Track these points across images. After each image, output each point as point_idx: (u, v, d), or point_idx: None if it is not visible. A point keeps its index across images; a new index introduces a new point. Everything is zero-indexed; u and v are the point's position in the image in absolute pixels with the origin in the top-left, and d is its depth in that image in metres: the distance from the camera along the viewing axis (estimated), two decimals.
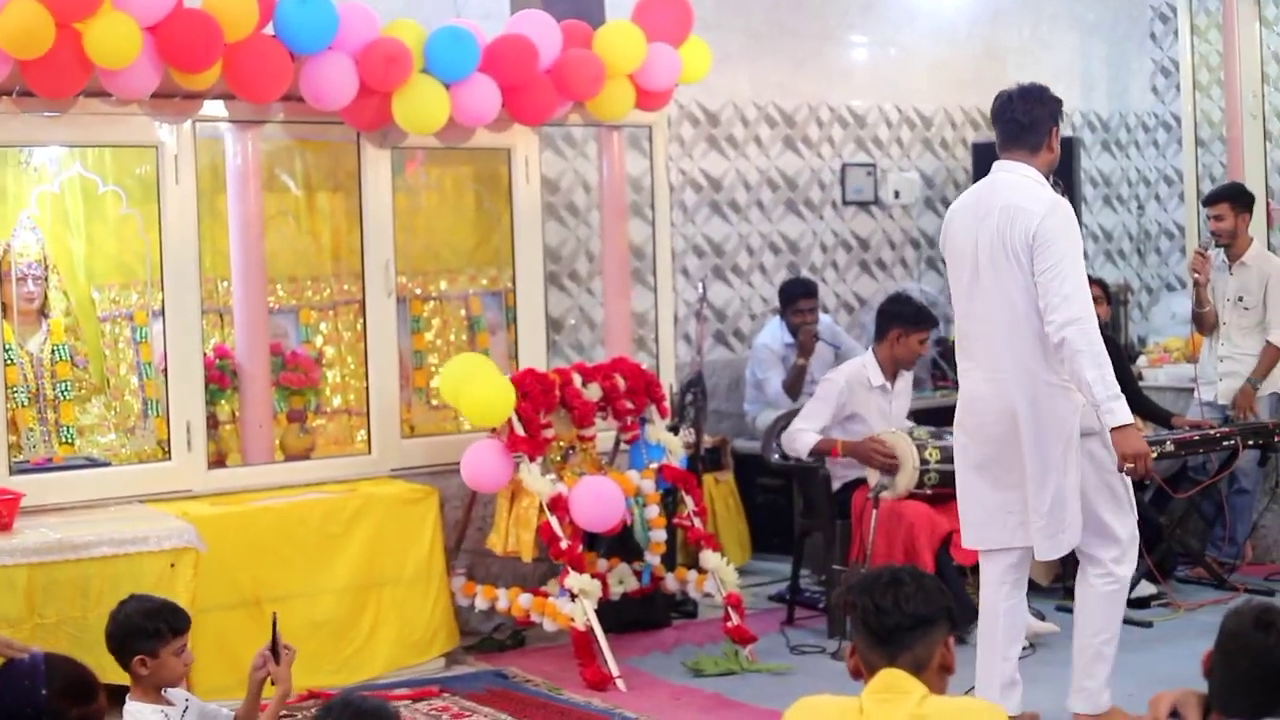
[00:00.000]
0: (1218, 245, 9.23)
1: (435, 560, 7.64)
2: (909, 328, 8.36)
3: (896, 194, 11.08)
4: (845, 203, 10.91)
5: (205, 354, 7.60)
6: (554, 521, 7.35)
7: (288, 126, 8.00)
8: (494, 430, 7.58)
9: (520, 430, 7.46)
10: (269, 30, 7.12)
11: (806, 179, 10.72)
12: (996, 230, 6.06)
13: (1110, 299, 9.84)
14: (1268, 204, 10.68)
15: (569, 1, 8.30)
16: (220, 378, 7.75)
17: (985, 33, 11.60)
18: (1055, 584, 8.77)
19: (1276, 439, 8.69)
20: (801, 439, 8.18)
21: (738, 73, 10.34)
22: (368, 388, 8.04)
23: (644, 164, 9.09)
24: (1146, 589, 8.42)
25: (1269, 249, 10.02)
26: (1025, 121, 6.19)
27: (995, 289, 6.10)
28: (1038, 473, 6.13)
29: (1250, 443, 8.59)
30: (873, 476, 7.95)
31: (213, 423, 7.71)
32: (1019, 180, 6.16)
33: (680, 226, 10.05)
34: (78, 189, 7.81)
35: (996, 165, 6.25)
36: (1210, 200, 9.40)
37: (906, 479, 7.82)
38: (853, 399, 8.28)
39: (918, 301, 8.69)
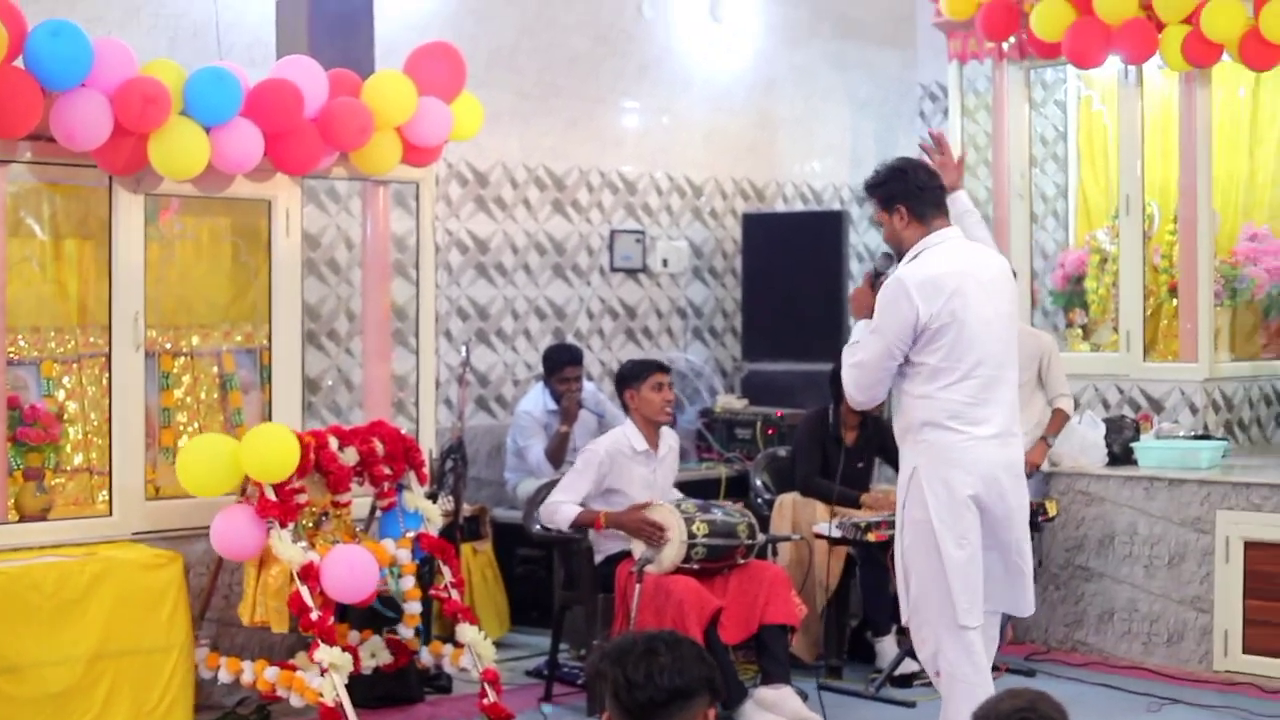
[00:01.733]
0: None
1: (177, 630, 7.26)
2: (635, 382, 8.27)
3: (665, 262, 10.96)
4: (613, 269, 10.76)
5: None
6: (304, 591, 7.02)
7: (36, 168, 7.60)
8: (243, 494, 7.25)
9: (271, 495, 7.12)
10: (19, 63, 6.76)
11: (575, 244, 10.55)
12: (1007, 293, 6.41)
13: None
14: (1032, 284, 10.75)
15: (337, 49, 8.05)
16: None
17: (759, 103, 11.56)
18: (818, 661, 8.69)
19: (1040, 519, 8.72)
20: (562, 511, 7.98)
21: (508, 133, 10.16)
22: (111, 445, 7.65)
23: (409, 222, 8.86)
24: (909, 666, 8.35)
25: (1032, 325, 10.08)
26: (940, 189, 6.42)
27: (1013, 350, 6.35)
28: (1025, 529, 6.42)
29: None
30: (637, 549, 7.76)
31: None
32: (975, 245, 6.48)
33: (445, 288, 9.82)
34: None
35: (947, 232, 6.31)
36: None
37: (673, 553, 7.65)
38: (614, 470, 8.10)
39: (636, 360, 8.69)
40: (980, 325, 6.16)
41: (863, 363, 6.20)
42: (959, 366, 6.12)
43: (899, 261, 6.31)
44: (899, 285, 6.13)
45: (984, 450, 6.18)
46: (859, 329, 6.33)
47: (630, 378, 8.30)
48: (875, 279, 6.39)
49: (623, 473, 8.13)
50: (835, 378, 8.58)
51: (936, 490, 6.13)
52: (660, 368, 8.37)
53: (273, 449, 7.18)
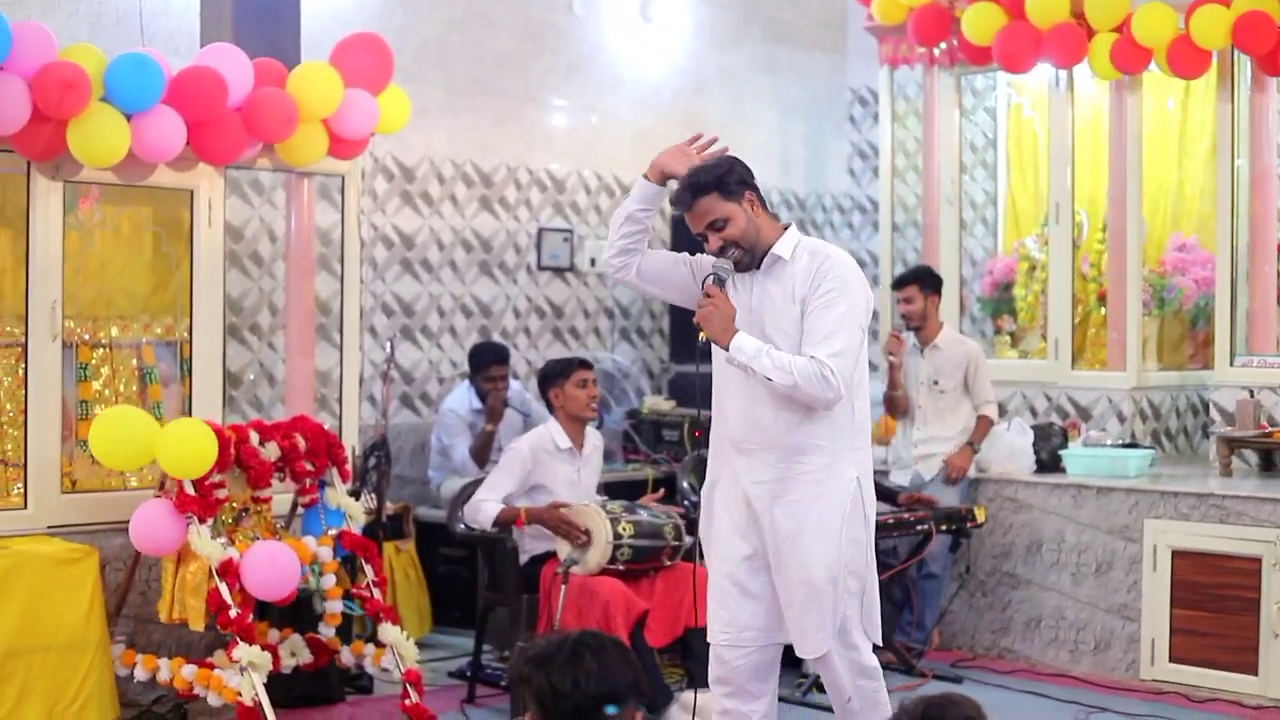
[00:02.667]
0: (909, 328, 9.25)
1: (93, 626, 7.08)
2: (560, 379, 8.20)
3: (593, 261, 10.87)
4: (540, 268, 10.66)
5: None
6: (223, 588, 6.87)
7: None
8: (161, 488, 7.09)
9: (190, 489, 6.97)
10: None
11: (502, 241, 10.45)
12: None
13: None
14: (960, 290, 10.74)
15: (262, 38, 7.92)
16: None
17: (688, 104, 11.48)
18: None
19: (968, 525, 8.70)
20: (484, 509, 7.90)
21: (435, 128, 10.05)
22: (26, 437, 7.48)
23: (334, 216, 8.72)
24: None
25: (961, 333, 10.05)
26: None
27: None
28: None
29: (943, 528, 8.58)
30: (563, 550, 7.68)
31: None
32: None
33: (370, 283, 9.69)
34: None
35: (797, 230, 5.78)
36: (899, 283, 9.44)
37: (599, 554, 7.57)
38: (538, 468, 8.02)
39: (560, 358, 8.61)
40: None
41: (844, 351, 5.48)
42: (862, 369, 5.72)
43: (759, 262, 5.65)
44: (848, 264, 5.66)
45: None
46: (746, 346, 5.46)
47: (554, 375, 8.21)
48: (720, 287, 5.58)
49: (547, 471, 8.04)
50: None
51: (870, 507, 5.74)
52: (584, 364, 8.28)
53: (190, 444, 7.03)
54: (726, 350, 5.51)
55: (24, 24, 6.88)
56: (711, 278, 5.57)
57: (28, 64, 6.80)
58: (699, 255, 5.84)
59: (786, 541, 5.61)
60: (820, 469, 5.61)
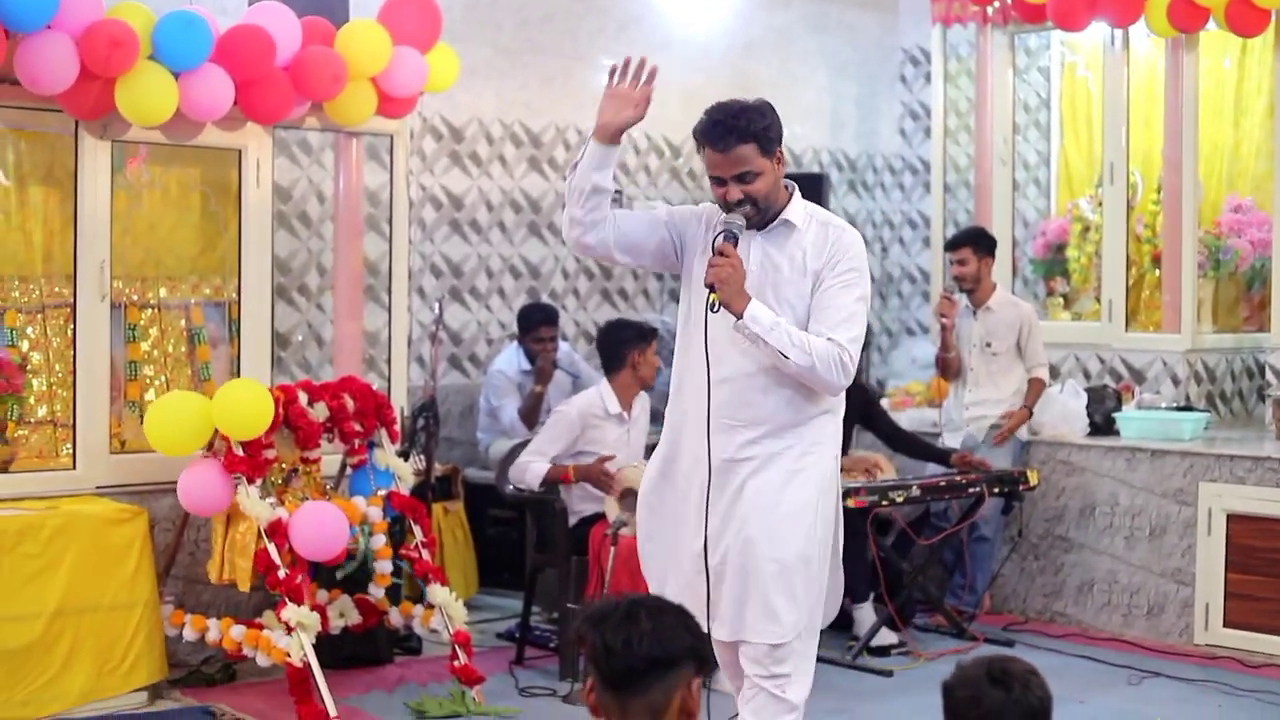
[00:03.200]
0: (961, 290, 9.16)
1: (141, 586, 7.10)
2: (641, 343, 8.20)
3: None
4: None
5: None
6: (272, 549, 6.86)
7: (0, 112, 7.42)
8: (209, 448, 7.08)
9: (239, 450, 6.96)
10: None
11: (550, 202, 10.39)
12: None
13: None
14: (1013, 252, 10.65)
15: None
16: None
17: (737, 64, 11.39)
18: None
19: (1021, 488, 8.63)
20: (532, 469, 7.88)
21: (484, 88, 9.99)
22: (75, 398, 7.49)
23: (383, 176, 8.68)
24: (887, 637, 8.29)
25: (1012, 293, 9.97)
26: None
27: None
28: None
29: (996, 490, 8.51)
30: (611, 512, 7.64)
31: None
32: None
33: (418, 244, 9.65)
34: None
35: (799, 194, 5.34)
36: (952, 245, 9.34)
37: None
38: (586, 431, 8.00)
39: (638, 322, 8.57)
40: None
41: (860, 337, 5.16)
42: None
43: (764, 224, 5.22)
44: (860, 243, 5.28)
45: None
46: (763, 317, 5.02)
47: (638, 338, 8.20)
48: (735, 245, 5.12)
49: (595, 434, 8.01)
50: None
51: (839, 489, 5.41)
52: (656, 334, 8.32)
53: (246, 405, 7.03)
54: (739, 317, 5.02)
55: None
56: (723, 234, 5.07)
57: (75, 22, 6.79)
58: (677, 209, 5.43)
59: (757, 518, 5.16)
60: (806, 446, 5.21)
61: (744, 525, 5.15)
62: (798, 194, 5.27)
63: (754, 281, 5.14)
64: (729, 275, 4.99)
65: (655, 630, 3.34)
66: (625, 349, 8.16)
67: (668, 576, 5.35)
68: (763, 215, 5.18)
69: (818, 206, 5.34)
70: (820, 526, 5.21)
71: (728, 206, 5.15)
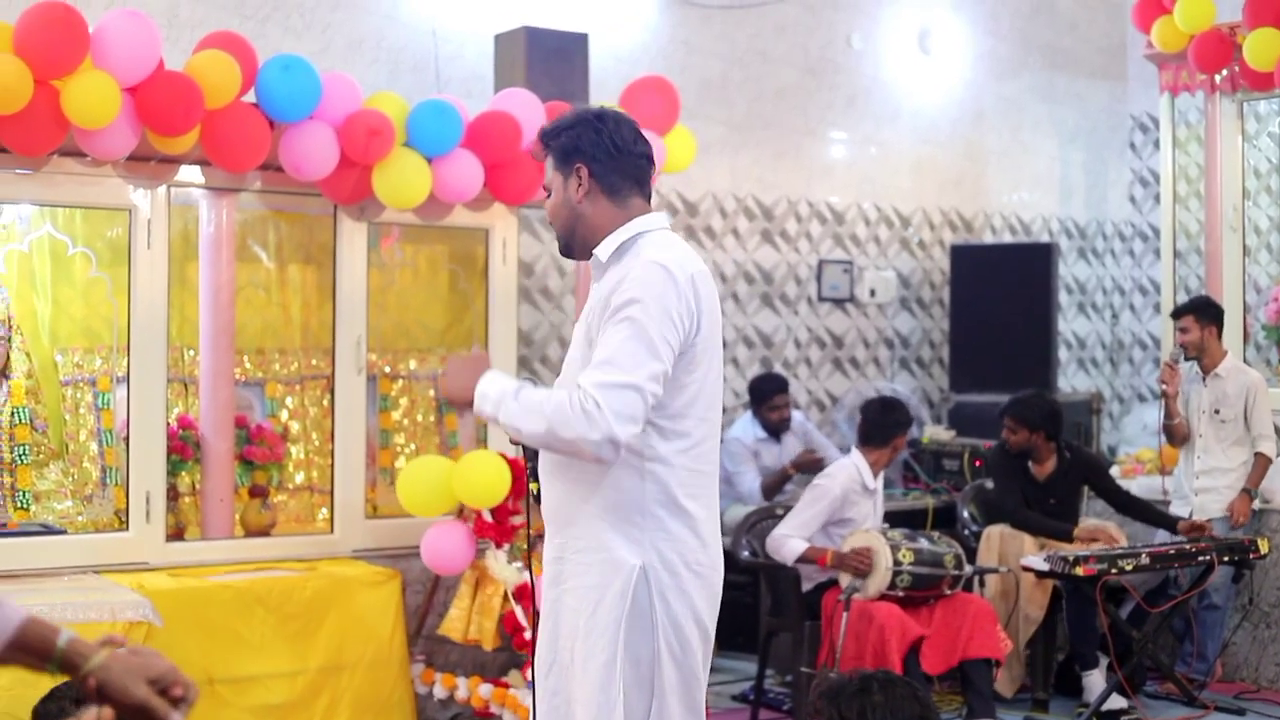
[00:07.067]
0: (1187, 358, 9.20)
1: (396, 645, 7.43)
2: (906, 432, 8.36)
3: (873, 292, 11.00)
4: (821, 299, 10.83)
5: (169, 423, 7.42)
6: (518, 611, 7.17)
7: (263, 196, 7.84)
8: (460, 514, 7.42)
9: (488, 517, 7.29)
10: (250, 97, 6.99)
11: (783, 273, 10.64)
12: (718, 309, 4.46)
13: None
14: (1244, 318, 10.65)
15: (553, 82, 8.23)
16: (183, 448, 7.57)
17: (967, 134, 11.57)
18: (1021, 694, 8.68)
19: (1251, 555, 8.63)
20: (789, 545, 7.99)
21: (717, 163, 10.28)
22: (333, 465, 7.87)
23: None
24: (1117, 702, 8.32)
25: (1245, 361, 9.98)
26: (648, 160, 4.57)
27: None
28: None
29: (1225, 559, 8.53)
30: (844, 578, 7.82)
31: (173, 494, 7.52)
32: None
33: None
34: (46, 249, 7.62)
35: (657, 218, 4.46)
36: (1177, 314, 9.38)
37: (879, 580, 7.71)
38: (845, 506, 8.15)
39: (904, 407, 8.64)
40: (719, 368, 4.42)
41: (627, 383, 4.09)
42: (709, 417, 4.36)
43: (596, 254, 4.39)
44: (654, 271, 4.18)
45: (719, 552, 4.44)
46: (491, 390, 4.28)
47: (906, 425, 8.39)
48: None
49: (850, 508, 8.18)
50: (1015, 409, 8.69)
51: (673, 609, 4.27)
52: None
53: (485, 475, 7.33)
54: (469, 407, 4.34)
55: (331, 74, 7.23)
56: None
57: (335, 112, 7.16)
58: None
59: (565, 644, 4.37)
60: (592, 549, 4.29)
61: (568, 653, 4.40)
62: (635, 223, 4.36)
63: (580, 333, 4.40)
64: (449, 374, 4.47)
65: (887, 702, 3.57)
66: (894, 431, 8.30)
67: None
68: (580, 245, 4.45)
69: (656, 239, 4.36)
70: (627, 668, 4.23)
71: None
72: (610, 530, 4.25)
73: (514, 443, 4.39)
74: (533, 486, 4.39)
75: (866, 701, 3.57)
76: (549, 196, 4.48)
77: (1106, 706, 8.31)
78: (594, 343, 4.21)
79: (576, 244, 4.46)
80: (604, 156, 4.37)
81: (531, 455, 4.41)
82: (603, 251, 4.35)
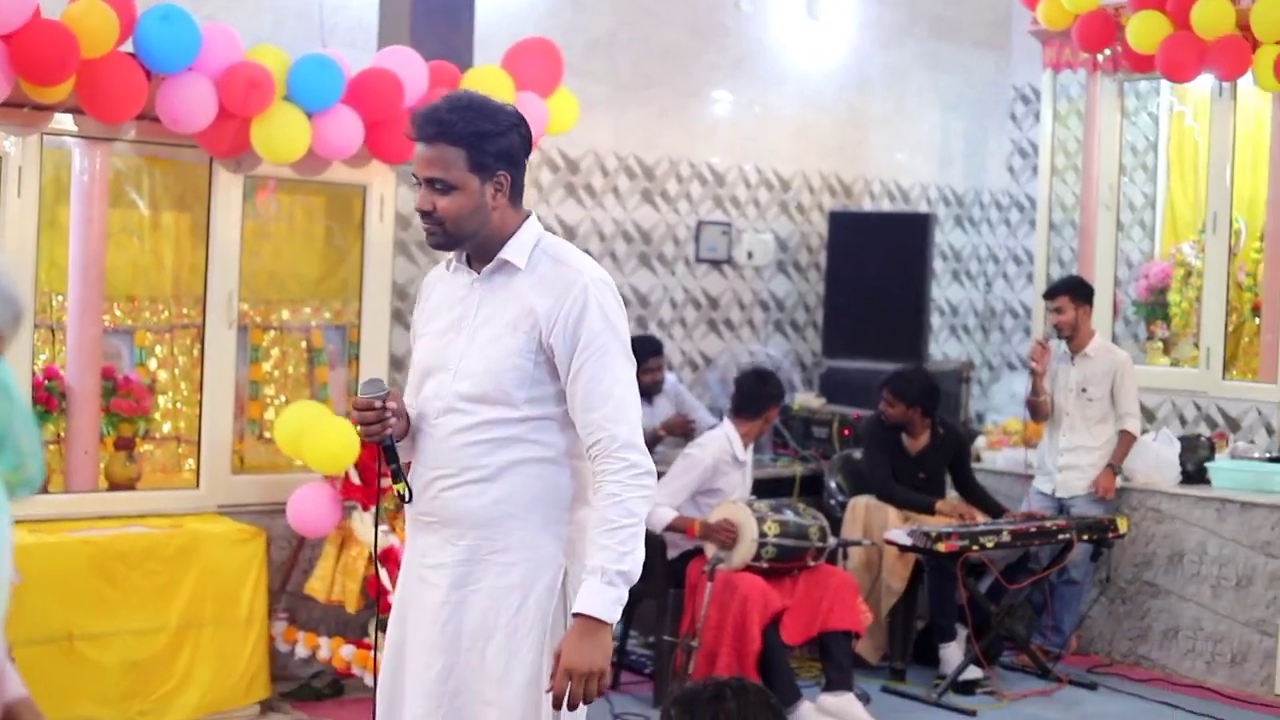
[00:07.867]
0: (1059, 337, 9.30)
1: (258, 603, 7.42)
2: (778, 404, 8.46)
3: (750, 255, 11.02)
4: (698, 260, 10.83)
5: (34, 373, 7.32)
6: (383, 574, 7.17)
7: (139, 145, 7.74)
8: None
9: (356, 478, 7.27)
10: (128, 47, 6.88)
11: (661, 233, 10.64)
12: None
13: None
14: (1114, 293, 10.80)
15: (437, 41, 8.15)
16: (48, 399, 7.49)
17: (851, 100, 11.59)
18: (883, 663, 8.79)
19: (1110, 535, 8.79)
20: (658, 514, 7.94)
21: (601, 121, 10.24)
22: (200, 416, 7.81)
23: None
24: (973, 673, 8.44)
25: (1113, 340, 10.12)
26: None
27: None
28: None
29: (1085, 537, 8.68)
30: (710, 548, 7.88)
31: None
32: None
33: None
34: None
35: (534, 216, 4.35)
36: (1050, 294, 9.47)
37: (744, 551, 7.77)
38: (716, 476, 8.20)
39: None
40: None
41: (638, 419, 4.26)
42: None
43: (487, 263, 4.25)
44: (606, 287, 4.27)
45: None
46: (609, 594, 4.14)
47: (779, 398, 8.50)
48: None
49: (720, 478, 8.24)
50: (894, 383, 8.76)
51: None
52: None
53: (332, 444, 7.34)
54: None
55: (211, 25, 7.12)
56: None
57: (215, 64, 7.06)
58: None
59: (472, 644, 4.22)
60: (515, 548, 4.21)
61: (465, 659, 4.28)
62: (531, 225, 4.27)
63: (464, 334, 4.28)
64: (570, 659, 4.04)
65: (740, 709, 3.60)
66: (767, 404, 8.37)
67: None
68: (480, 248, 4.27)
69: (554, 238, 4.34)
70: (527, 671, 4.19)
71: (426, 224, 4.25)
72: (539, 530, 4.20)
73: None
74: (399, 488, 4.29)
75: (720, 709, 3.60)
76: (443, 191, 4.15)
77: (965, 676, 8.43)
78: (549, 352, 4.17)
79: (477, 246, 4.25)
80: (521, 162, 4.25)
81: (394, 458, 4.34)
82: (518, 258, 4.22)
